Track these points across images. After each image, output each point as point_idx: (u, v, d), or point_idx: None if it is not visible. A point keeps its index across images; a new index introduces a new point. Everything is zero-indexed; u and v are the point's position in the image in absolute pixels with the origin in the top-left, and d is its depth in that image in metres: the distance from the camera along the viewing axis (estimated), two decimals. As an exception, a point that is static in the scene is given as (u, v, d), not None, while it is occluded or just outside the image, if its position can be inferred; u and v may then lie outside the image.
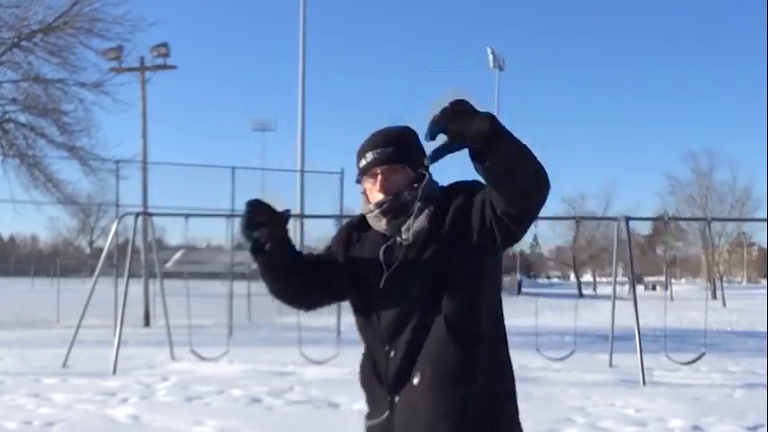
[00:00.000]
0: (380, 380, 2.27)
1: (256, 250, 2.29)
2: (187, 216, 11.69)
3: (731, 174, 49.59)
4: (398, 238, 2.28)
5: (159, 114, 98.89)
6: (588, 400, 8.14)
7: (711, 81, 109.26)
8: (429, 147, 1.98)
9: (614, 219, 13.75)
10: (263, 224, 2.25)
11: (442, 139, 1.93)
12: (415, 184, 2.28)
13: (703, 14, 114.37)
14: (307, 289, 2.40)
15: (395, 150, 2.29)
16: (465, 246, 2.19)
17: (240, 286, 19.98)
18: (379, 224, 2.31)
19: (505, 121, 1.96)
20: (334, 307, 16.39)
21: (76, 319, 11.60)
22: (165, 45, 20.79)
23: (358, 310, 2.37)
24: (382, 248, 2.29)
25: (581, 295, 48.69)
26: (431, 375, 2.17)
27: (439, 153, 1.95)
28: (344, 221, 2.58)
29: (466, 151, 1.96)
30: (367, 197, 2.35)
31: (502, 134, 1.92)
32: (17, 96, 17.76)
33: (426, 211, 2.26)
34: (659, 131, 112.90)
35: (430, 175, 2.32)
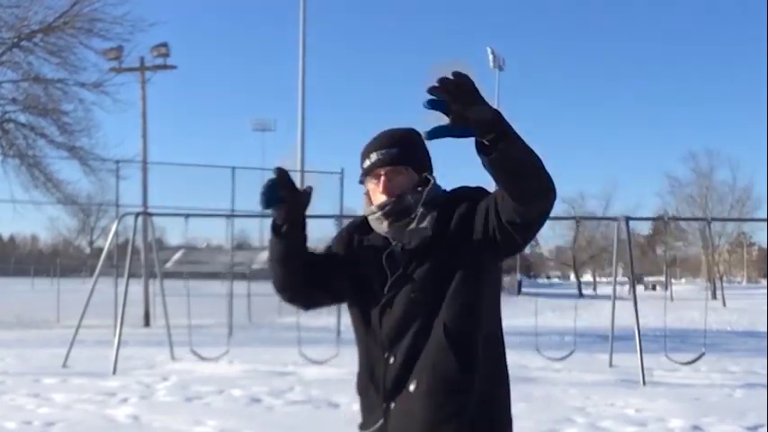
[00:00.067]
0: (378, 387, 2.24)
1: (274, 228, 2.25)
2: (187, 216, 11.70)
3: (731, 174, 49.66)
4: (401, 244, 2.26)
5: (159, 114, 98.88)
6: (588, 400, 8.13)
7: (711, 81, 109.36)
8: (427, 125, 1.90)
9: (614, 219, 13.75)
10: (284, 200, 2.20)
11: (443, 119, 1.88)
12: (419, 188, 2.26)
13: (703, 15, 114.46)
14: (306, 288, 2.37)
15: (399, 152, 2.26)
16: (467, 253, 2.17)
17: (240, 286, 19.99)
18: (381, 227, 2.28)
19: (506, 120, 1.94)
20: (334, 307, 16.30)
21: (76, 319, 11.61)
22: (165, 45, 20.81)
23: (359, 316, 2.33)
24: (385, 254, 2.26)
25: (581, 295, 48.68)
26: (427, 382, 2.14)
27: (439, 132, 1.90)
28: (346, 222, 2.54)
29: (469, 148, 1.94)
30: (369, 198, 2.32)
31: (509, 132, 1.90)
32: (17, 96, 17.79)
33: (429, 217, 2.23)
34: (659, 131, 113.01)
35: (434, 179, 2.30)
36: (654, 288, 64.15)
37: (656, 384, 9.47)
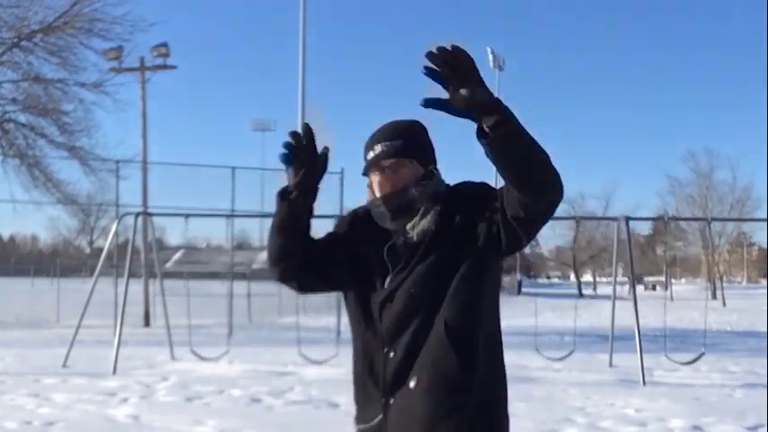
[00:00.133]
0: (376, 381, 2.22)
1: (283, 195, 2.23)
2: (187, 216, 11.70)
3: (731, 174, 49.74)
4: (403, 237, 2.24)
5: (159, 114, 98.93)
6: (588, 400, 8.13)
7: (711, 81, 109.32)
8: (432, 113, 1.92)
9: (614, 219, 13.75)
10: (301, 162, 2.18)
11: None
12: (423, 181, 2.23)
13: (703, 15, 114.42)
14: (303, 268, 2.31)
15: (404, 144, 2.23)
16: (470, 249, 2.15)
17: (240, 286, 20.00)
18: (384, 219, 2.26)
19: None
20: (333, 307, 16.41)
21: (76, 319, 11.61)
22: (165, 45, 20.82)
23: (357, 308, 2.30)
24: (386, 247, 2.24)
25: (581, 295, 48.68)
26: (428, 379, 2.13)
27: (436, 104, 1.90)
28: (349, 210, 2.50)
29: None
30: (372, 190, 2.28)
31: (510, 119, 1.90)
32: (17, 96, 17.80)
33: (433, 211, 2.21)
34: (659, 131, 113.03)
35: (438, 172, 2.28)
36: (654, 288, 64.19)
37: (656, 384, 9.47)
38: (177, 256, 48.58)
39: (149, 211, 16.21)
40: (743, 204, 49.03)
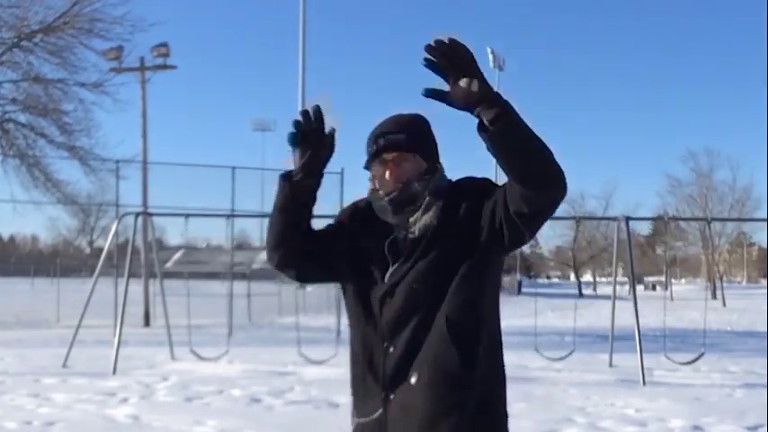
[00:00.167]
0: (376, 376, 2.20)
1: (285, 176, 2.22)
2: (187, 216, 11.70)
3: (731, 174, 49.78)
4: (405, 232, 2.23)
5: (159, 114, 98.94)
6: (588, 400, 8.13)
7: (711, 81, 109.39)
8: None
9: (614, 219, 13.75)
10: (308, 143, 2.17)
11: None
12: (426, 176, 2.22)
13: (703, 14, 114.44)
14: (303, 255, 2.29)
15: (407, 138, 2.22)
16: (472, 245, 2.14)
17: (240, 286, 20.01)
18: (386, 213, 2.25)
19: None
20: (333, 307, 16.40)
21: (76, 319, 11.60)
22: (165, 45, 20.81)
23: (357, 302, 2.28)
24: (387, 241, 2.23)
25: (581, 295, 48.73)
26: (428, 375, 2.12)
27: (436, 94, 1.92)
28: (351, 202, 2.48)
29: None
30: (374, 184, 2.27)
31: (510, 112, 1.90)
32: (17, 96, 17.80)
33: (435, 206, 2.20)
34: (659, 131, 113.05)
35: (441, 167, 2.27)
36: (654, 288, 64.23)
37: (656, 384, 9.47)
38: (177, 256, 48.49)
39: (149, 211, 16.20)
40: (743, 204, 49.09)
